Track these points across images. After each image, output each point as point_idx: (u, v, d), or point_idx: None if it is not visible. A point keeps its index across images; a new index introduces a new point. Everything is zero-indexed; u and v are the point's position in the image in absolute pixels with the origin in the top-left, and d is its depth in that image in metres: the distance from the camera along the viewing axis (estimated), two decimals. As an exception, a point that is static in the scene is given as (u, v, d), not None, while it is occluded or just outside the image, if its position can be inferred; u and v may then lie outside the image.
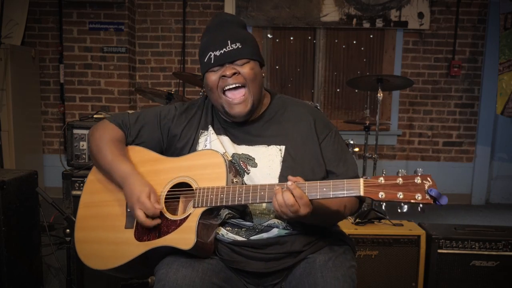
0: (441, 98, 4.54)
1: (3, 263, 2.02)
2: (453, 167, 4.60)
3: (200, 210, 1.30)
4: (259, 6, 4.38)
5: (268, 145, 1.41)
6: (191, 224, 1.28)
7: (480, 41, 4.45)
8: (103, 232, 1.41)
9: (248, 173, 1.38)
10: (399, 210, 1.14)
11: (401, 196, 1.10)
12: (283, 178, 1.34)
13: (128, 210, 1.40)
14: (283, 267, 1.36)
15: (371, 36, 4.56)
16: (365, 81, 3.56)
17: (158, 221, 1.32)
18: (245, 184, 1.36)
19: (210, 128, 1.46)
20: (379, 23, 4.39)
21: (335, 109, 4.67)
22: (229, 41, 1.35)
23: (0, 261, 2.01)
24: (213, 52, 1.36)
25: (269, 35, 4.59)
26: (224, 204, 1.29)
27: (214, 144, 1.42)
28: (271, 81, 4.66)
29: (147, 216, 1.30)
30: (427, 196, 1.08)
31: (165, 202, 1.37)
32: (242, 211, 1.37)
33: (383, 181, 1.12)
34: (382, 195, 1.12)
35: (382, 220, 2.36)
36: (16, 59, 3.92)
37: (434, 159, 4.62)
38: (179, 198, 1.38)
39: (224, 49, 1.34)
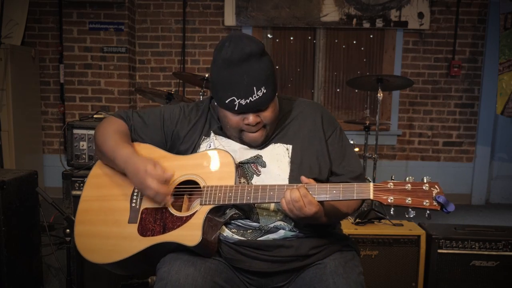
0: (441, 98, 4.54)
1: (3, 263, 2.02)
2: (453, 167, 4.61)
3: (208, 208, 1.30)
4: (259, 6, 4.37)
5: (275, 143, 1.42)
6: (198, 221, 1.28)
7: (480, 41, 4.46)
8: (106, 226, 1.40)
9: (259, 175, 1.38)
10: (406, 215, 1.17)
11: (409, 202, 1.14)
12: (293, 179, 1.35)
13: (133, 205, 1.39)
14: (289, 268, 1.36)
15: (371, 36, 4.56)
16: (365, 81, 3.56)
17: (172, 188, 1.32)
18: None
19: (212, 135, 1.45)
20: (379, 23, 4.39)
21: (335, 109, 4.67)
22: (255, 88, 1.28)
23: (0, 261, 2.01)
24: (237, 99, 1.29)
25: (269, 35, 4.59)
26: (232, 202, 1.29)
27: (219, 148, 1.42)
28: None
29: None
30: (435, 203, 1.12)
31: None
32: (248, 211, 1.37)
33: (392, 186, 1.16)
34: (391, 199, 1.15)
35: (382, 220, 2.36)
36: (16, 59, 3.92)
37: (434, 159, 4.62)
38: (183, 196, 1.38)
39: (250, 98, 1.28)
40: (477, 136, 4.58)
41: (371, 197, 1.17)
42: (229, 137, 1.44)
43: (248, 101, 1.29)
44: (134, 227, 1.36)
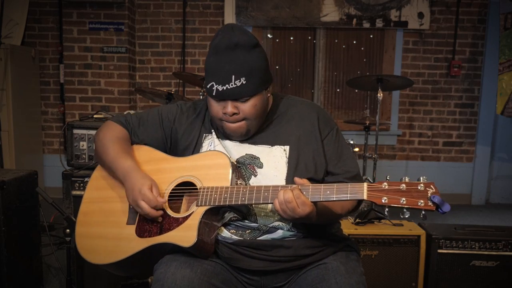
0: (441, 98, 4.54)
1: (3, 263, 2.02)
2: (453, 167, 4.61)
3: (203, 209, 1.30)
4: (259, 6, 4.37)
5: (272, 145, 1.42)
6: (193, 222, 1.28)
7: (480, 41, 4.45)
8: (105, 227, 1.42)
9: (256, 176, 1.38)
10: (401, 216, 1.16)
11: (403, 202, 1.12)
12: (290, 179, 1.35)
13: (131, 207, 1.40)
14: (288, 267, 1.36)
15: (371, 36, 4.56)
16: (365, 81, 3.56)
17: (161, 212, 1.33)
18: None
19: (214, 133, 1.46)
20: (379, 23, 4.39)
21: (335, 109, 4.67)
22: (233, 77, 1.30)
23: (0, 261, 2.01)
24: (215, 85, 1.32)
25: (269, 35, 4.59)
26: (227, 203, 1.29)
27: (217, 149, 1.43)
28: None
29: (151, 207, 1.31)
30: (430, 203, 1.10)
31: (168, 200, 1.37)
32: (246, 212, 1.37)
33: (386, 186, 1.14)
34: (385, 200, 1.13)
35: (382, 220, 2.36)
36: (16, 59, 3.92)
37: (434, 159, 4.62)
38: (182, 196, 1.39)
39: (227, 85, 1.30)
40: (477, 136, 4.58)
41: (365, 197, 1.16)
42: (227, 138, 1.44)
43: (224, 88, 1.31)
44: (132, 228, 1.37)
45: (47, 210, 2.30)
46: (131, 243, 1.34)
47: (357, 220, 2.32)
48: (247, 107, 1.34)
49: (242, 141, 1.43)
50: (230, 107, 1.33)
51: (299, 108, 1.49)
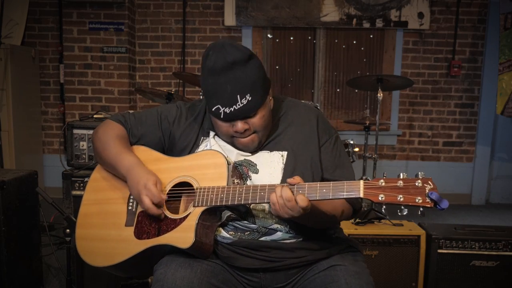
0: (441, 98, 4.54)
1: (3, 263, 2.02)
2: (453, 167, 4.61)
3: (200, 210, 1.29)
4: (259, 6, 4.37)
5: (271, 151, 1.41)
6: (191, 223, 1.28)
7: (480, 41, 4.45)
8: (104, 229, 1.41)
9: (250, 179, 1.38)
10: (399, 213, 1.14)
11: (401, 199, 1.10)
12: None
13: (129, 208, 1.40)
14: (287, 265, 1.35)
15: (371, 36, 4.56)
16: (365, 81, 3.57)
17: (161, 211, 1.32)
18: None
19: (211, 134, 1.45)
20: (379, 23, 4.39)
21: (335, 109, 4.67)
22: (238, 96, 1.27)
23: (0, 261, 2.01)
24: (222, 108, 1.29)
25: (269, 35, 4.59)
26: (224, 203, 1.28)
27: (214, 148, 1.42)
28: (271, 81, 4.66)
29: (153, 203, 1.30)
30: (428, 200, 1.08)
31: (166, 201, 1.36)
32: (244, 213, 1.36)
33: (383, 183, 1.12)
34: (382, 197, 1.11)
35: (382, 220, 2.36)
36: (16, 59, 3.92)
37: (434, 159, 4.62)
38: (180, 197, 1.38)
39: (234, 106, 1.28)
40: (477, 136, 4.58)
41: (361, 195, 1.14)
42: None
43: (232, 109, 1.29)
44: (131, 230, 1.36)
45: (47, 210, 2.30)
46: (130, 245, 1.34)
47: (357, 220, 2.32)
48: (257, 119, 1.33)
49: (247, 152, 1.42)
50: (240, 124, 1.32)
51: (300, 112, 1.47)
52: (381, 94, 3.33)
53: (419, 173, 1.12)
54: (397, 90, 4.33)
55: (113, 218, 1.41)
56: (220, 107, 1.30)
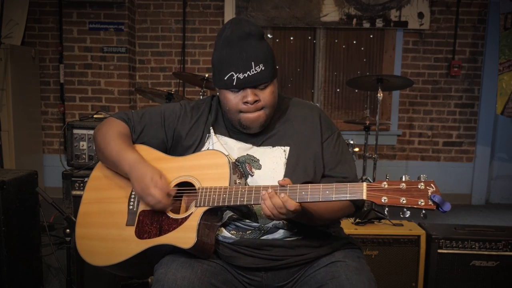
0: (441, 98, 4.54)
1: (3, 263, 2.02)
2: (453, 167, 4.61)
3: (202, 210, 1.29)
4: (259, 6, 4.38)
5: (273, 146, 1.41)
6: (193, 223, 1.28)
7: (480, 41, 4.45)
8: (104, 228, 1.41)
9: (252, 175, 1.38)
10: (401, 215, 1.14)
11: (404, 201, 1.10)
12: None
13: (130, 207, 1.39)
14: (290, 263, 1.35)
15: (371, 36, 4.56)
16: (365, 81, 3.56)
17: (171, 201, 1.32)
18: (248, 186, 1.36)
19: (212, 131, 1.45)
20: (379, 23, 4.39)
21: (335, 109, 4.67)
22: (253, 63, 1.31)
23: (0, 261, 2.01)
24: (235, 74, 1.31)
25: (269, 35, 4.59)
26: (226, 204, 1.28)
27: (216, 146, 1.42)
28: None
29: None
30: (430, 202, 1.08)
31: None
32: (246, 212, 1.36)
33: (386, 186, 1.13)
34: (385, 199, 1.12)
35: (382, 220, 2.36)
36: (16, 59, 3.92)
37: (434, 159, 4.62)
38: (181, 197, 1.38)
39: (248, 72, 1.31)
40: (477, 136, 4.58)
41: (364, 197, 1.14)
42: (229, 136, 1.44)
43: (246, 75, 1.31)
44: (132, 229, 1.36)
45: (47, 210, 2.30)
46: (131, 244, 1.34)
47: (357, 220, 2.32)
48: (266, 94, 1.35)
49: (245, 141, 1.43)
50: (251, 95, 1.33)
51: (302, 109, 1.49)
52: (381, 94, 3.33)
53: (422, 175, 1.13)
54: (397, 90, 4.33)
55: (113, 217, 1.41)
56: (234, 74, 1.32)
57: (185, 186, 1.37)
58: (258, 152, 1.41)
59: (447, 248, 2.22)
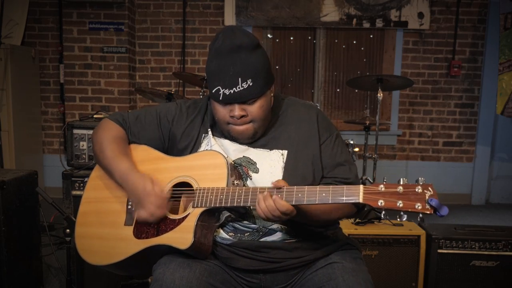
0: (441, 98, 4.54)
1: (3, 263, 2.02)
2: (453, 167, 4.60)
3: (199, 210, 1.29)
4: (259, 6, 4.37)
5: (270, 149, 1.40)
6: (190, 224, 1.28)
7: (480, 41, 4.45)
8: (103, 228, 1.41)
9: (250, 179, 1.37)
10: (398, 219, 1.14)
11: (400, 205, 1.09)
12: None
13: (129, 207, 1.40)
14: (288, 265, 1.35)
15: (371, 36, 4.56)
16: (365, 81, 3.56)
17: (166, 209, 1.32)
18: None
19: (210, 132, 1.44)
20: (379, 23, 4.39)
21: (335, 109, 4.67)
22: (239, 79, 1.28)
23: (0, 261, 2.01)
24: (222, 89, 1.29)
25: (269, 35, 4.59)
26: (223, 205, 1.28)
27: (214, 148, 1.41)
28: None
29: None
30: (427, 206, 1.07)
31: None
32: (244, 214, 1.36)
33: (383, 189, 1.12)
34: (381, 202, 1.11)
35: (382, 220, 2.36)
36: (16, 59, 3.92)
37: (434, 159, 4.62)
38: (180, 197, 1.38)
39: (234, 89, 1.28)
40: (477, 136, 4.58)
41: (361, 200, 1.13)
42: (225, 137, 1.44)
43: (232, 91, 1.29)
44: (130, 229, 1.36)
45: (47, 210, 2.30)
46: (129, 244, 1.34)
47: (357, 220, 2.32)
48: (255, 108, 1.33)
49: (241, 143, 1.42)
50: (237, 110, 1.31)
51: (299, 110, 1.46)
52: (381, 94, 3.33)
53: (420, 178, 1.13)
54: (397, 90, 4.33)
55: (112, 217, 1.41)
56: (221, 88, 1.30)
57: (184, 187, 1.37)
58: (254, 154, 1.40)
59: (447, 248, 2.22)
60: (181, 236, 1.27)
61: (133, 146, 1.49)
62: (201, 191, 1.31)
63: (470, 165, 4.62)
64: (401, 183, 1.13)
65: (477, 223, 3.71)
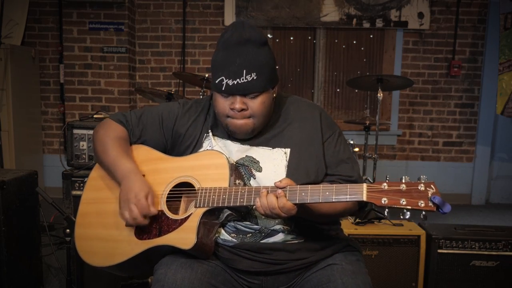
0: (441, 98, 4.54)
1: (3, 263, 2.02)
2: (453, 167, 4.60)
3: (202, 210, 1.29)
4: (259, 6, 4.37)
5: (273, 147, 1.40)
6: (192, 224, 1.28)
7: (480, 41, 4.45)
8: (104, 229, 1.40)
9: (254, 178, 1.37)
10: (401, 217, 1.14)
11: (404, 203, 1.10)
12: None
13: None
14: (290, 268, 1.35)
15: (371, 36, 4.56)
16: (365, 81, 3.56)
17: (147, 221, 1.31)
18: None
19: (211, 133, 1.44)
20: (379, 23, 4.39)
21: (335, 109, 4.67)
22: (244, 71, 1.28)
23: (0, 261, 2.01)
24: (225, 79, 1.29)
25: (269, 35, 4.59)
26: (226, 205, 1.28)
27: (216, 149, 1.41)
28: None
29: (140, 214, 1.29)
30: (430, 204, 1.08)
31: (167, 201, 1.36)
32: (246, 214, 1.36)
33: (386, 187, 1.12)
34: (385, 200, 1.12)
35: (382, 220, 2.36)
36: (16, 59, 3.91)
37: (434, 159, 4.62)
38: (181, 197, 1.38)
39: (238, 80, 1.28)
40: (477, 136, 4.58)
41: (364, 198, 1.14)
42: (226, 138, 1.43)
43: (235, 82, 1.29)
44: (131, 230, 1.35)
45: (47, 210, 2.30)
46: (130, 245, 1.33)
47: (357, 220, 2.32)
48: (256, 104, 1.32)
49: (243, 143, 1.41)
50: (238, 102, 1.31)
51: (302, 109, 1.46)
52: (381, 94, 3.33)
53: (422, 176, 1.13)
54: (397, 90, 4.33)
55: (113, 217, 1.40)
56: (224, 79, 1.30)
57: (185, 187, 1.37)
58: (257, 153, 1.39)
59: (447, 248, 2.22)
60: (184, 237, 1.27)
61: (134, 146, 1.49)
62: (203, 191, 1.31)
63: (470, 165, 4.62)
64: (403, 180, 1.13)
65: (477, 223, 3.71)
